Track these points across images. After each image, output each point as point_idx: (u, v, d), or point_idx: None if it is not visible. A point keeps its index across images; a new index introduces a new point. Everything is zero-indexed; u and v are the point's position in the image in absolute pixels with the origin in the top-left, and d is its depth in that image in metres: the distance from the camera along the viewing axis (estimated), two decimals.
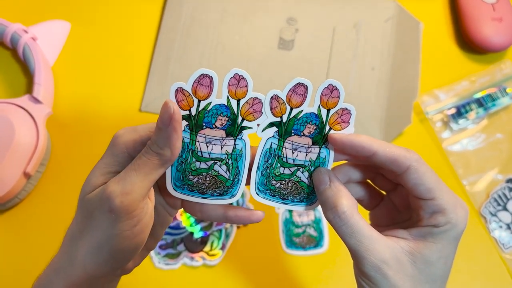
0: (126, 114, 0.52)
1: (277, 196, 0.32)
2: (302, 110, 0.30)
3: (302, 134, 0.30)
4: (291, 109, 0.30)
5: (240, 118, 0.29)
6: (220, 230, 0.47)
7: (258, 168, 0.31)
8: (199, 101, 0.29)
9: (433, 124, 0.52)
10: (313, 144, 0.31)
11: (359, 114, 0.51)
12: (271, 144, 0.30)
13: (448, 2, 0.58)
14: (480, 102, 0.52)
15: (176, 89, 0.28)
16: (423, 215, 0.29)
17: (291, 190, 0.32)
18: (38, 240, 0.48)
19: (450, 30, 0.56)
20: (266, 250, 0.48)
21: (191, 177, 0.30)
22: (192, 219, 0.47)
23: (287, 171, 0.31)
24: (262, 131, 0.30)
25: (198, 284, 0.46)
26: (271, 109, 0.29)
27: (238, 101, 0.29)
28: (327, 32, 0.54)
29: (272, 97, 0.29)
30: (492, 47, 0.53)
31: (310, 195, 0.32)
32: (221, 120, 0.29)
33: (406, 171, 0.29)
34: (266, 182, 0.31)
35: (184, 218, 0.47)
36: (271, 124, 0.30)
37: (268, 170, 0.31)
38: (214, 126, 0.29)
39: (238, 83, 0.29)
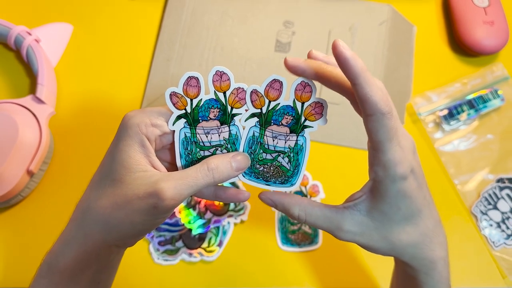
0: None
1: (261, 178, 0.35)
2: (279, 103, 0.33)
3: (280, 124, 0.33)
4: (269, 102, 0.33)
5: (229, 108, 0.33)
6: (218, 227, 0.48)
7: None
8: (191, 100, 0.33)
9: (426, 125, 0.53)
10: (290, 132, 0.34)
11: (353, 115, 0.52)
12: (253, 133, 0.34)
13: (441, 6, 0.58)
14: (471, 104, 0.52)
15: (170, 94, 0.32)
16: (372, 166, 0.31)
17: (273, 173, 0.35)
18: (41, 236, 0.48)
19: (443, 33, 0.57)
20: (262, 247, 0.48)
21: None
22: (191, 217, 0.48)
23: (269, 156, 0.34)
24: (245, 121, 0.33)
25: (196, 279, 0.47)
26: (252, 101, 0.33)
27: (224, 93, 0.33)
28: (323, 35, 0.55)
29: (252, 91, 0.32)
30: (483, 50, 0.54)
31: (291, 177, 0.35)
32: (214, 112, 0.33)
33: (356, 85, 0.29)
34: (251, 165, 0.34)
35: (183, 216, 0.48)
36: (253, 115, 0.33)
37: (252, 155, 0.34)
38: (209, 118, 0.33)
39: (221, 78, 0.32)
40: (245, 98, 0.33)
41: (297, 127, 0.34)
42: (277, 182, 0.35)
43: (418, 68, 0.55)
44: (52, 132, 0.50)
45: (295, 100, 0.33)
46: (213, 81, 0.32)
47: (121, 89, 0.54)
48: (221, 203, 0.48)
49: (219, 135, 0.34)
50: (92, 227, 0.31)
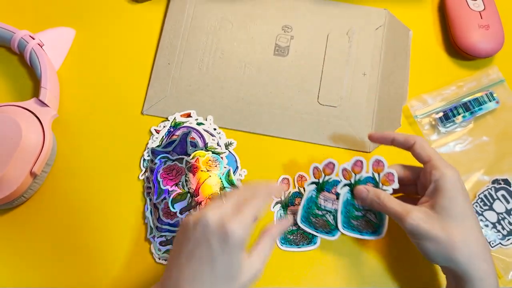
0: (128, 116, 0.53)
1: (356, 230, 0.47)
2: (362, 175, 0.46)
3: None
4: (355, 175, 0.47)
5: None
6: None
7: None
8: (324, 176, 0.48)
9: (422, 127, 0.53)
10: None
11: (352, 117, 0.53)
12: (347, 197, 0.47)
13: (436, 10, 0.59)
14: (467, 106, 0.53)
15: (314, 167, 0.48)
16: (427, 177, 0.42)
17: (364, 227, 0.47)
18: (44, 237, 0.49)
19: (439, 37, 0.58)
20: None
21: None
22: None
23: (359, 213, 0.47)
24: (340, 189, 0.47)
25: None
26: (343, 176, 0.47)
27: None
28: (321, 39, 0.55)
29: (342, 169, 0.47)
30: (479, 53, 0.54)
31: (378, 228, 0.46)
32: (335, 189, 0.47)
33: (413, 145, 0.44)
34: (348, 221, 0.47)
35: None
36: (345, 185, 0.47)
37: (348, 214, 0.47)
38: (330, 192, 0.48)
39: (330, 168, 0.48)
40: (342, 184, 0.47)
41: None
42: (369, 232, 0.46)
43: (414, 71, 0.55)
44: (55, 134, 0.51)
45: (373, 172, 0.46)
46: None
47: (122, 92, 0.54)
48: None
49: (332, 204, 0.47)
50: None
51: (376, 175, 0.47)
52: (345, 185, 0.47)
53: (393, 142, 0.46)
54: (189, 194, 0.49)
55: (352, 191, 0.47)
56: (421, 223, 0.41)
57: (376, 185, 0.46)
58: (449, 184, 0.41)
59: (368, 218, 0.47)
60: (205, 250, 0.36)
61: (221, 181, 0.50)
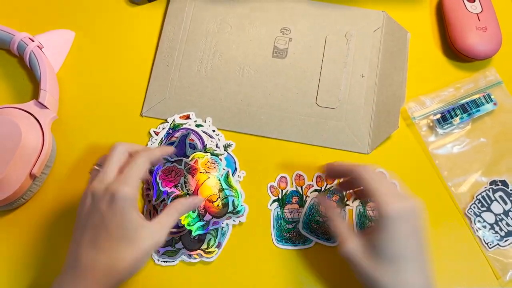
0: (127, 118, 0.53)
1: (320, 235, 0.49)
2: (333, 187, 0.51)
3: (331, 199, 0.51)
4: (326, 184, 0.51)
5: (304, 196, 0.51)
6: (217, 229, 0.49)
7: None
8: (326, 184, 0.51)
9: (420, 128, 0.53)
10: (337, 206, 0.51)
11: (350, 119, 0.53)
12: (314, 202, 0.50)
13: (434, 12, 0.59)
14: (464, 108, 0.53)
15: (317, 175, 0.51)
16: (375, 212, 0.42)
17: (325, 231, 0.49)
18: (43, 239, 0.49)
19: (437, 39, 0.58)
20: (259, 247, 0.49)
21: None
22: (190, 218, 0.49)
23: (321, 219, 0.49)
24: (309, 195, 0.51)
25: (196, 280, 0.48)
26: (316, 183, 0.51)
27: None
28: (319, 41, 0.56)
29: (316, 176, 0.51)
30: (477, 55, 0.54)
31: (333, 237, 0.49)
32: (336, 197, 0.50)
33: (359, 179, 0.41)
34: (308, 224, 0.49)
35: (183, 217, 0.49)
36: (315, 190, 0.51)
37: (311, 217, 0.49)
38: (331, 199, 0.50)
39: (299, 178, 0.51)
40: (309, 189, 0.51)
41: (342, 204, 0.50)
42: (325, 238, 0.49)
43: (412, 73, 0.55)
44: (55, 136, 0.51)
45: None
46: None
47: (122, 94, 0.54)
48: (219, 205, 0.49)
49: (298, 214, 0.50)
50: (118, 277, 0.38)
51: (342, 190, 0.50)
52: (355, 198, 0.50)
53: (339, 175, 0.46)
54: (188, 196, 0.49)
55: (363, 203, 0.50)
56: (352, 256, 0.40)
57: (342, 197, 0.50)
58: (389, 225, 0.38)
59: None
60: (97, 216, 0.38)
61: (220, 183, 0.50)
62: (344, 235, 0.41)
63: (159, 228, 0.40)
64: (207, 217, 0.49)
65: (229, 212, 0.49)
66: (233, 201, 0.49)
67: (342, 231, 0.42)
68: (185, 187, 0.49)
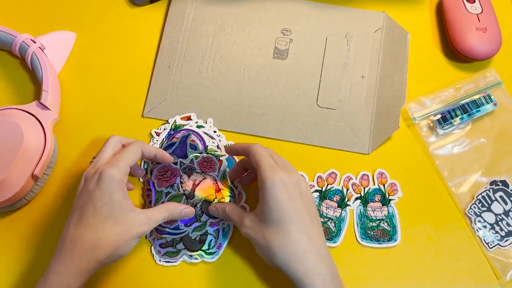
0: (128, 119, 0.53)
1: (374, 240, 0.49)
2: (370, 188, 0.51)
3: (374, 200, 0.51)
4: (364, 188, 0.51)
5: (387, 194, 0.51)
6: (218, 230, 0.49)
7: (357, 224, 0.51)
8: (327, 184, 0.51)
9: (420, 129, 0.53)
10: (382, 206, 0.51)
11: (350, 119, 0.53)
12: (360, 210, 0.50)
13: (434, 13, 0.59)
14: (464, 108, 0.53)
15: (318, 176, 0.51)
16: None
17: (380, 235, 0.49)
18: (45, 239, 0.49)
19: (437, 39, 0.58)
20: None
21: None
22: (187, 219, 0.49)
23: (374, 224, 0.50)
24: (353, 203, 0.51)
25: (197, 280, 0.48)
26: (353, 190, 0.51)
27: (384, 185, 0.51)
28: (320, 42, 0.56)
29: (352, 184, 0.51)
30: (476, 56, 0.54)
31: (393, 235, 0.50)
32: (337, 197, 0.51)
33: (249, 152, 0.44)
34: (365, 232, 0.50)
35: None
36: (356, 199, 0.51)
37: (363, 225, 0.50)
38: (332, 200, 0.51)
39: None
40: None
41: (385, 201, 0.51)
42: (385, 240, 0.49)
43: (412, 73, 0.55)
44: (56, 137, 0.51)
45: (379, 184, 0.51)
46: (352, 186, 0.51)
47: (123, 95, 0.54)
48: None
49: (334, 212, 0.50)
50: (100, 257, 0.40)
51: (381, 186, 0.51)
52: (356, 198, 0.51)
53: (238, 153, 0.48)
54: (184, 196, 0.49)
55: (364, 204, 0.51)
56: (248, 231, 0.43)
57: (383, 195, 0.50)
58: (269, 189, 0.41)
59: (382, 227, 0.50)
60: (86, 195, 0.41)
61: (217, 183, 0.50)
62: (239, 219, 0.44)
63: (146, 219, 0.42)
64: (204, 217, 0.49)
65: None
66: (234, 202, 0.49)
67: (236, 217, 0.44)
68: (181, 187, 0.49)
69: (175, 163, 0.50)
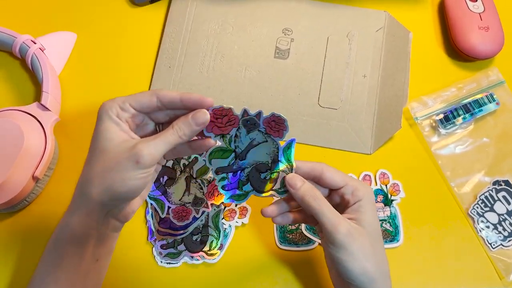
0: None
1: None
2: (372, 188, 0.50)
3: (376, 201, 0.50)
4: None
5: (389, 195, 0.51)
6: (219, 231, 0.49)
7: None
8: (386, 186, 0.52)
9: (422, 128, 0.53)
10: (385, 206, 0.51)
11: (352, 119, 0.53)
12: None
13: (436, 12, 0.59)
14: (467, 108, 0.53)
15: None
16: (347, 198, 0.41)
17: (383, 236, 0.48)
18: (46, 240, 0.47)
19: (439, 38, 0.58)
20: (262, 248, 0.49)
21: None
22: (227, 181, 0.42)
23: None
24: None
25: (199, 281, 0.48)
26: None
27: (386, 186, 0.52)
28: (321, 42, 0.55)
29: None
30: (479, 55, 0.54)
31: (395, 236, 0.49)
32: (379, 197, 0.51)
33: (322, 174, 0.41)
34: None
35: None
36: None
37: None
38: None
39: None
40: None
41: (387, 201, 0.50)
42: (388, 241, 0.49)
43: (414, 73, 0.55)
44: (57, 138, 0.51)
45: (381, 185, 0.51)
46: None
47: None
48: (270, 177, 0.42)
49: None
50: (91, 191, 0.36)
51: (383, 187, 0.50)
52: None
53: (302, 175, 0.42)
54: (233, 154, 0.40)
55: None
56: (349, 237, 0.38)
57: (385, 196, 0.50)
58: (369, 203, 0.40)
59: (385, 228, 0.49)
60: (93, 135, 0.39)
61: (277, 153, 0.41)
62: (334, 221, 0.38)
63: (152, 144, 0.36)
64: (247, 187, 0.41)
65: (274, 190, 0.42)
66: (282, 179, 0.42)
67: (331, 217, 0.38)
68: (235, 142, 0.40)
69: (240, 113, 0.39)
